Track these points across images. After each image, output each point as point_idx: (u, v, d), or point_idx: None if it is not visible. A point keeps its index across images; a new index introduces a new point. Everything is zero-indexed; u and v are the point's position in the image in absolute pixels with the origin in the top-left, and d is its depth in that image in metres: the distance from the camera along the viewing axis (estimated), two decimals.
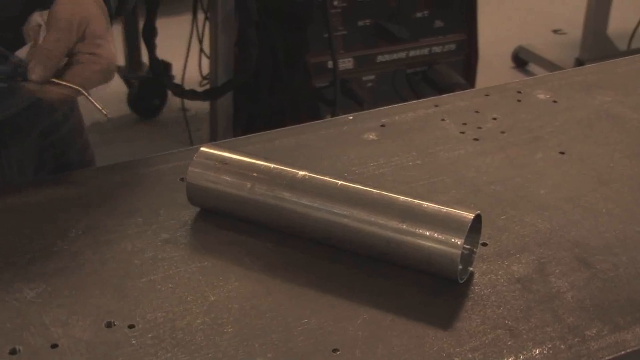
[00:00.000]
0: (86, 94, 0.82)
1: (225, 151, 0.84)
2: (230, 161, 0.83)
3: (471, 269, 0.78)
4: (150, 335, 0.69)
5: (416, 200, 0.77)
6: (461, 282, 0.75)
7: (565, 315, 0.72)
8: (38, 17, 0.84)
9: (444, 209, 0.76)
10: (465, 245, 0.75)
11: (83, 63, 0.83)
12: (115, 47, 0.88)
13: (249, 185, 0.81)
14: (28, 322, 0.70)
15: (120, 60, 2.99)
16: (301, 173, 0.80)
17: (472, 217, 0.75)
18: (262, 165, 0.82)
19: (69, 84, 0.82)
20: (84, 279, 0.75)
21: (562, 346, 0.69)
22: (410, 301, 0.74)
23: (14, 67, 0.81)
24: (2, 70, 0.81)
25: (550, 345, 0.69)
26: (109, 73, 0.86)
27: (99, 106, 0.83)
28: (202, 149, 0.84)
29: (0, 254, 0.78)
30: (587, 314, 0.73)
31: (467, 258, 0.78)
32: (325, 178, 0.80)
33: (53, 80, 0.82)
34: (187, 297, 0.73)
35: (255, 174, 0.81)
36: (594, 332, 0.71)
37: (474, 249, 0.78)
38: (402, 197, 0.77)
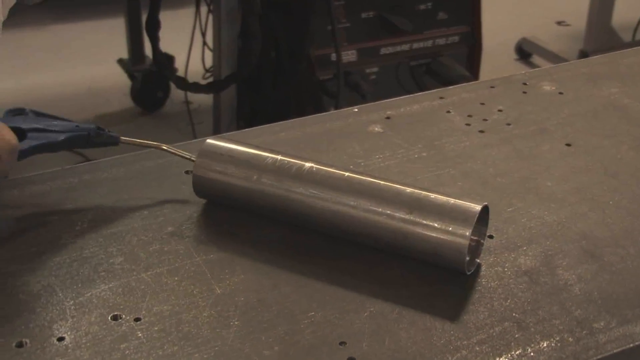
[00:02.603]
0: (167, 148, 0.86)
1: (231, 143, 0.84)
2: (237, 153, 0.83)
3: (478, 260, 0.77)
4: (156, 328, 0.69)
5: (423, 192, 0.76)
6: (468, 273, 0.75)
7: (572, 307, 0.72)
8: None
9: (452, 200, 0.75)
10: (472, 237, 0.75)
11: None
12: None
13: (255, 176, 0.81)
14: (34, 315, 0.69)
15: (124, 53, 2.98)
16: (308, 164, 0.80)
17: (480, 208, 0.74)
18: (268, 156, 0.82)
19: (147, 142, 0.86)
20: (90, 272, 0.75)
21: (570, 339, 0.69)
22: (417, 293, 0.74)
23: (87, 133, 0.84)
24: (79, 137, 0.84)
25: (558, 338, 0.69)
26: None
27: (186, 155, 0.86)
28: (209, 140, 0.84)
29: (6, 247, 0.78)
30: (595, 307, 0.72)
31: (475, 249, 0.77)
32: (332, 169, 0.80)
33: (131, 140, 0.86)
34: (193, 290, 0.73)
35: (262, 165, 0.81)
36: (602, 324, 0.70)
37: (481, 241, 0.78)
38: (409, 188, 0.77)
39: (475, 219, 0.73)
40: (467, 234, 0.73)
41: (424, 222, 0.74)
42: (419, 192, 0.76)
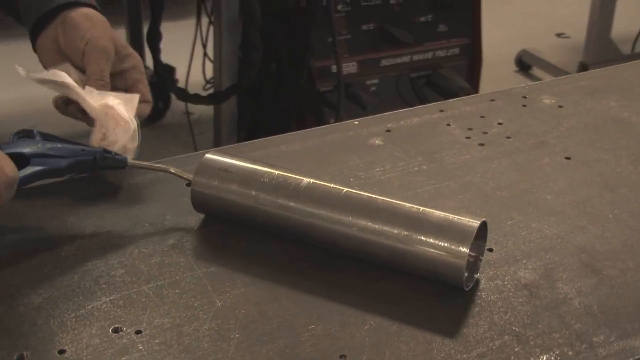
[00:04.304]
0: (175, 171, 0.86)
1: (230, 158, 0.84)
2: (235, 169, 0.83)
3: (477, 276, 0.77)
4: (157, 341, 0.69)
5: (421, 208, 0.76)
6: (467, 290, 0.75)
7: (572, 321, 0.72)
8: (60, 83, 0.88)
9: (449, 216, 0.75)
10: (471, 253, 0.74)
11: (139, 81, 0.92)
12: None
13: (253, 193, 0.80)
14: (35, 327, 0.70)
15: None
16: (305, 181, 0.80)
17: (478, 225, 0.74)
18: (266, 172, 0.82)
19: (155, 165, 0.87)
20: (91, 284, 0.75)
21: (569, 353, 0.69)
22: (417, 307, 0.74)
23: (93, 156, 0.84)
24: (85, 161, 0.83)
25: (557, 352, 0.69)
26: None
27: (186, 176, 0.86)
28: (207, 155, 0.84)
29: (7, 258, 0.78)
30: (595, 321, 0.72)
31: (473, 265, 0.77)
32: (330, 185, 0.80)
33: (139, 163, 0.87)
34: (194, 303, 0.73)
35: (260, 182, 0.81)
36: (602, 338, 0.71)
37: (480, 256, 0.78)
38: (407, 205, 0.77)
39: (473, 236, 0.73)
40: (465, 251, 0.73)
41: (422, 240, 0.74)
42: (417, 208, 0.76)
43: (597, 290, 0.76)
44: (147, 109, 0.94)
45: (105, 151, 0.84)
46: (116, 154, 0.85)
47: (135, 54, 0.94)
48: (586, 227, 0.85)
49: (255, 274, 0.77)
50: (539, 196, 0.91)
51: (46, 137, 0.82)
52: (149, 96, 0.94)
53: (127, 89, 0.93)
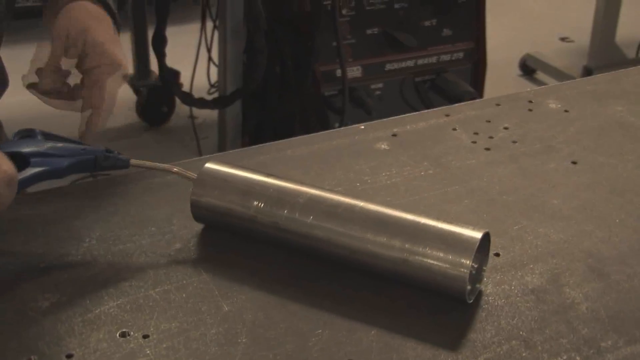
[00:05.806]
0: (179, 170, 0.84)
1: (229, 167, 0.83)
2: (234, 180, 0.82)
3: (479, 286, 0.77)
4: (164, 346, 0.69)
5: (422, 221, 0.75)
6: (470, 302, 0.74)
7: (580, 326, 0.72)
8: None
9: (451, 228, 0.74)
10: (473, 265, 0.74)
11: (96, 82, 0.88)
12: (123, 51, 0.91)
13: (253, 207, 0.79)
14: (43, 332, 0.70)
15: (130, 69, 2.99)
16: (305, 193, 0.79)
17: (479, 238, 0.73)
18: (266, 184, 0.80)
19: (159, 165, 0.85)
20: (98, 288, 0.75)
21: (577, 358, 0.69)
22: (424, 312, 0.74)
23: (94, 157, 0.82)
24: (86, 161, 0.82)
25: (565, 357, 0.69)
26: (119, 77, 0.90)
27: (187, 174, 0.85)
28: (207, 165, 0.83)
29: (14, 263, 0.78)
30: (602, 326, 0.72)
31: (476, 277, 0.76)
32: (330, 198, 0.79)
33: (142, 162, 0.84)
34: (201, 307, 0.73)
35: (260, 195, 0.80)
36: (610, 343, 0.70)
37: (483, 267, 0.77)
38: (408, 217, 0.76)
39: (475, 249, 0.72)
40: (468, 263, 0.72)
41: (424, 253, 0.73)
42: (418, 221, 0.75)
43: (605, 295, 0.76)
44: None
45: (107, 150, 0.82)
46: (119, 153, 0.84)
47: (110, 61, 0.91)
48: (593, 232, 0.85)
49: (263, 279, 0.77)
50: (545, 201, 0.91)
51: (48, 136, 0.80)
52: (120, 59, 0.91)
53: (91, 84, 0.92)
